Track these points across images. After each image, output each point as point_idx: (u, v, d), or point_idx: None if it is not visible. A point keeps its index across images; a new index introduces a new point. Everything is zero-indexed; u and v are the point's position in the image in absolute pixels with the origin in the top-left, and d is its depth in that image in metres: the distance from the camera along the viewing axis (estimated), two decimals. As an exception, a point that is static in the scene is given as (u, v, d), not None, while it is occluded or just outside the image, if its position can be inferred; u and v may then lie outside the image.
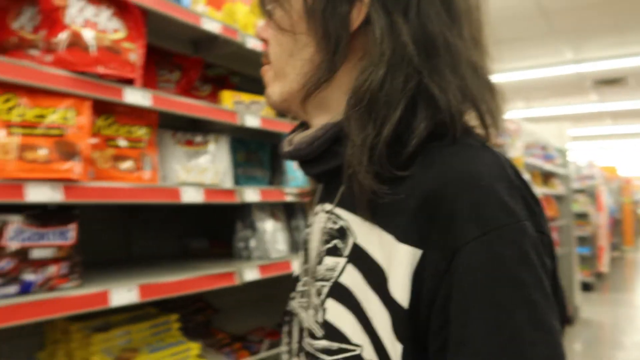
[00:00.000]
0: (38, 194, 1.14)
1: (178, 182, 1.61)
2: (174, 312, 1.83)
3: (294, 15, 0.67)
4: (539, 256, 0.53)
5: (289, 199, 1.90)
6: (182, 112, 1.48)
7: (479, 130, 0.65)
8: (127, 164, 1.41)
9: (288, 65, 0.69)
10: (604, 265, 8.32)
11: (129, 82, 1.34)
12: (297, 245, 2.11)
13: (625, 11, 5.73)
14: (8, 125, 1.12)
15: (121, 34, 1.32)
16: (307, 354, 0.67)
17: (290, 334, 0.77)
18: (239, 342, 2.17)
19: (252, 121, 1.72)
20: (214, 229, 2.32)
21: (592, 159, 8.97)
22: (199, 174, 1.67)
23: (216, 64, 2.03)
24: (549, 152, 5.78)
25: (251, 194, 1.73)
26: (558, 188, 6.03)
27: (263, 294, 2.47)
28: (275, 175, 2.26)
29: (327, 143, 0.66)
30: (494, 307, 0.50)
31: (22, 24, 1.25)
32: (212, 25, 1.56)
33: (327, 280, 0.66)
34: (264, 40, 0.73)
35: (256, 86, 2.34)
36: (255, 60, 2.07)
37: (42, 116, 1.17)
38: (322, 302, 0.66)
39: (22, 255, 1.16)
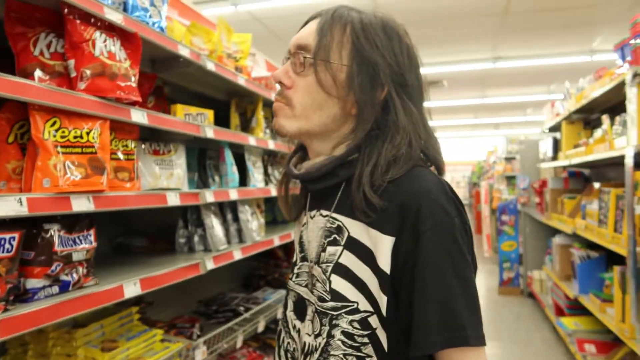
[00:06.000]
0: (79, 205, 1.31)
1: (149, 187, 1.81)
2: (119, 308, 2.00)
3: (337, 82, 0.95)
4: (462, 237, 0.88)
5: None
6: (169, 127, 1.70)
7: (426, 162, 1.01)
8: (124, 174, 1.59)
9: (315, 114, 0.97)
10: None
11: (132, 104, 1.53)
12: (229, 236, 2.40)
13: (441, 28, 6.96)
14: (55, 146, 1.27)
15: (128, 62, 1.50)
16: (319, 312, 0.96)
17: (286, 305, 1.11)
18: (174, 329, 2.40)
19: (209, 132, 1.98)
20: (142, 227, 2.47)
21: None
22: (166, 179, 1.88)
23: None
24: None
25: (209, 196, 2.00)
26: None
27: (172, 286, 2.68)
28: (201, 176, 2.51)
29: (332, 168, 0.98)
30: (436, 268, 0.85)
31: (41, 49, 1.36)
32: (185, 50, 1.80)
33: (330, 262, 0.97)
34: (282, 84, 1.00)
35: (182, 95, 2.55)
36: (198, 77, 2.30)
37: (79, 137, 1.33)
38: (328, 277, 0.96)
39: (66, 258, 1.31)
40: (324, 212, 1.02)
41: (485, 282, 7.62)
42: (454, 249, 0.86)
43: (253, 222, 2.56)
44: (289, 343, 1.06)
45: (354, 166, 0.95)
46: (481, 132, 20.44)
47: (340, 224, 0.97)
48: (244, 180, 2.62)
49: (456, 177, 24.67)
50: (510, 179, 9.29)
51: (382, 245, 0.89)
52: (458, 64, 8.78)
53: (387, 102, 0.97)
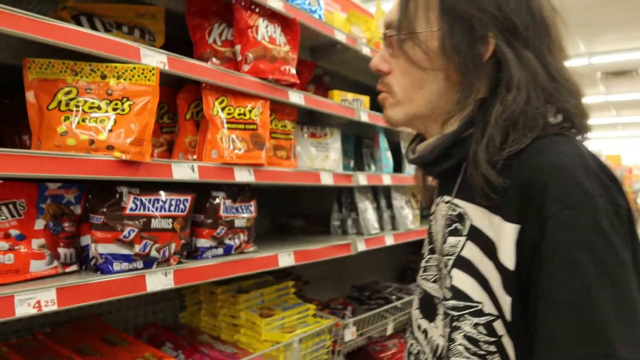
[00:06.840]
0: (241, 175, 1.45)
1: (306, 168, 1.92)
2: (278, 281, 2.14)
3: (430, 54, 0.83)
4: (612, 223, 0.68)
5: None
6: (324, 109, 1.79)
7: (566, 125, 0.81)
8: (282, 153, 1.71)
9: (417, 94, 0.87)
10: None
11: (290, 85, 1.64)
12: (383, 223, 2.42)
13: (637, 7, 6.06)
14: (222, 121, 1.42)
15: (288, 47, 1.61)
16: (445, 313, 0.85)
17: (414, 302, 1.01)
18: (327, 308, 2.49)
19: (364, 116, 2.03)
20: (301, 210, 2.63)
21: (599, 149, 9.33)
22: (321, 161, 1.98)
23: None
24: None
25: (362, 178, 2.04)
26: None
27: (329, 270, 2.78)
28: (358, 163, 2.58)
29: (445, 148, 0.86)
30: (568, 264, 0.67)
31: (214, 38, 1.54)
32: (341, 35, 1.87)
33: (452, 255, 0.85)
34: (381, 71, 0.91)
35: (342, 85, 2.64)
36: (356, 64, 2.37)
37: (243, 114, 1.47)
38: (449, 272, 0.84)
39: (229, 224, 1.46)
40: (446, 198, 0.91)
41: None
42: (596, 238, 0.67)
43: (407, 210, 2.54)
44: (412, 344, 0.97)
45: (470, 143, 0.82)
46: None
47: (461, 210, 0.85)
48: (399, 169, 2.62)
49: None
50: None
51: (505, 235, 0.75)
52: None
53: (498, 57, 0.81)
